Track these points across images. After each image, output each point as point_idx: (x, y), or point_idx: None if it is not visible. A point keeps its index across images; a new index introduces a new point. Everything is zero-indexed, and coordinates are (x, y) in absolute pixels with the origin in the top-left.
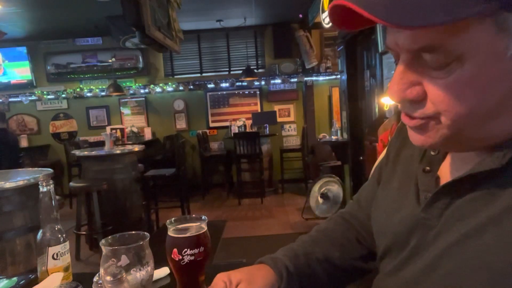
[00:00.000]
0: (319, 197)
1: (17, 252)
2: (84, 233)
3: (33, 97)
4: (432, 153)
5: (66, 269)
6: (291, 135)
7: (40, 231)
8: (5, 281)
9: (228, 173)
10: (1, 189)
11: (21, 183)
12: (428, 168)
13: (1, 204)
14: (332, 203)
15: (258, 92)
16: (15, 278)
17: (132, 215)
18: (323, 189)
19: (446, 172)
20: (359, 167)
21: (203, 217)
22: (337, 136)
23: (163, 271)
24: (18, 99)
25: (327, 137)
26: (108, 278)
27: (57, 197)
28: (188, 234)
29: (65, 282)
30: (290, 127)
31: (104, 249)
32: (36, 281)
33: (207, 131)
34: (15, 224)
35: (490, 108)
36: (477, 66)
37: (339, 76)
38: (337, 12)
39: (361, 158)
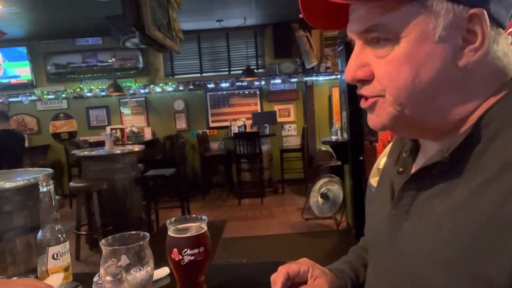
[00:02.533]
0: (319, 197)
1: (18, 252)
2: (84, 233)
3: (33, 97)
4: (404, 155)
5: (66, 269)
6: (291, 135)
7: (40, 231)
8: None
9: (228, 173)
10: (1, 189)
11: (21, 183)
12: (401, 169)
13: (1, 204)
14: (332, 203)
15: (258, 92)
16: (15, 278)
17: (132, 215)
18: (323, 189)
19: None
20: (359, 167)
21: (203, 217)
22: (337, 136)
23: (163, 271)
24: (18, 99)
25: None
26: (108, 278)
27: (57, 197)
28: (188, 234)
29: (65, 282)
30: (290, 127)
31: (104, 249)
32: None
33: (207, 131)
34: (15, 224)
35: (425, 86)
36: (410, 45)
37: (339, 76)
38: (307, 7)
39: (361, 158)
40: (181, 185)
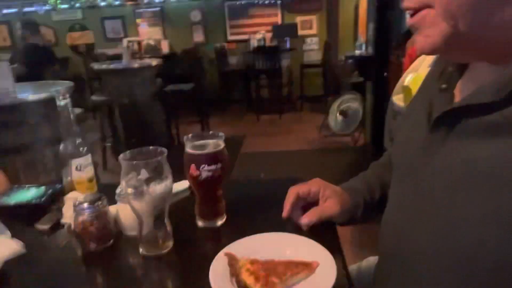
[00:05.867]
0: (338, 114)
1: (47, 162)
2: (109, 144)
3: (47, 7)
4: (450, 69)
5: (90, 180)
6: (313, 49)
7: (62, 144)
8: (34, 190)
9: (246, 89)
10: (25, 101)
11: (43, 95)
12: (444, 86)
13: (27, 116)
14: (351, 120)
15: (279, 2)
16: (43, 187)
17: (153, 129)
18: (343, 106)
19: (461, 91)
20: (383, 83)
21: (220, 134)
22: (361, 50)
23: (183, 185)
24: (33, 9)
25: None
26: (130, 190)
27: (79, 110)
28: (205, 151)
29: (89, 193)
30: (312, 40)
31: (124, 163)
32: (63, 190)
33: (225, 44)
34: (43, 135)
35: None
36: None
37: None
38: None
39: (385, 74)
40: (200, 100)
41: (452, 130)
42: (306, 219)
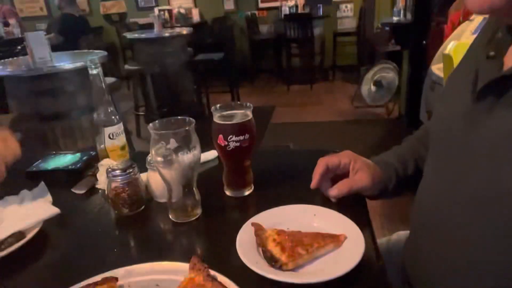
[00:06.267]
0: (372, 85)
1: (84, 129)
2: (142, 113)
3: None
4: (500, 34)
5: (122, 148)
6: (347, 16)
7: (95, 112)
8: (70, 156)
9: (277, 58)
10: (61, 70)
11: (78, 64)
12: (492, 53)
13: (64, 84)
14: (385, 91)
15: None
16: (78, 154)
17: (184, 98)
18: (377, 76)
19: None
20: (421, 52)
21: (248, 104)
22: (399, 17)
23: (212, 154)
24: None
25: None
26: (159, 159)
27: (113, 79)
28: (233, 121)
29: (121, 160)
30: (346, 7)
31: (153, 133)
32: (97, 157)
33: (256, 12)
34: (79, 103)
35: None
36: None
37: None
38: None
39: (424, 42)
40: (230, 70)
41: (500, 100)
42: (335, 191)
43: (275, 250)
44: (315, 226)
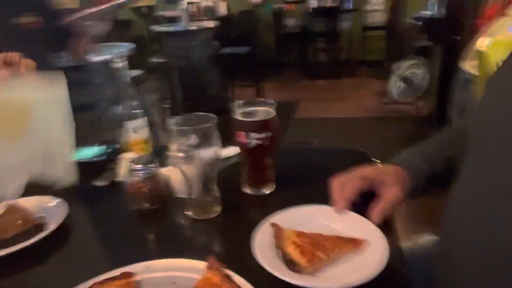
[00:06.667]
0: (400, 81)
1: (110, 121)
2: (168, 106)
3: None
4: None
5: (145, 142)
6: (377, 10)
7: (120, 106)
8: (95, 148)
9: (304, 52)
10: (90, 62)
11: (105, 57)
12: None
13: (92, 76)
14: (415, 87)
15: None
16: (104, 146)
17: (209, 92)
18: (407, 72)
19: None
20: (453, 48)
21: (271, 101)
22: (432, 11)
23: (233, 150)
24: None
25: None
26: (180, 154)
27: (139, 71)
28: (255, 118)
29: (143, 154)
30: (377, 0)
31: (174, 129)
32: (120, 150)
33: (284, 6)
34: (106, 95)
35: None
36: None
37: None
38: None
39: (458, 37)
40: (255, 64)
41: None
42: (377, 219)
43: (295, 254)
44: (336, 228)
